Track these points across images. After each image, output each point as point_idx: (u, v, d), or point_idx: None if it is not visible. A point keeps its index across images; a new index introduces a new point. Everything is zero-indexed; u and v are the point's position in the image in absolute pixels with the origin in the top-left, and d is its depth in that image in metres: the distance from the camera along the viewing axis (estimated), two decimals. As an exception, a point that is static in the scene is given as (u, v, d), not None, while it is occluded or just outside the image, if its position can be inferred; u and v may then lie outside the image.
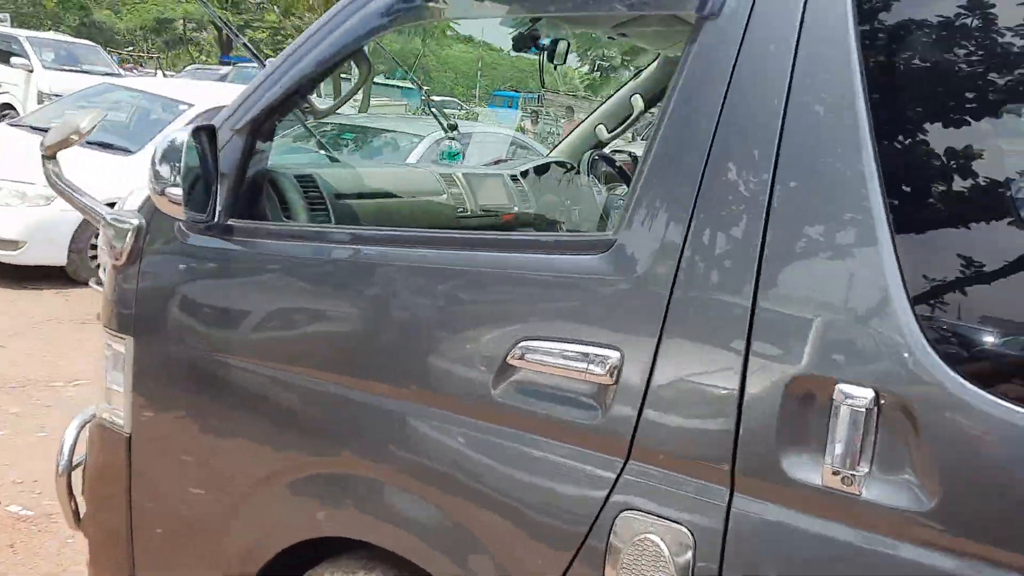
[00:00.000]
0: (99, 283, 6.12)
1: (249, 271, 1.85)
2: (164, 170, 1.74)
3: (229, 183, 1.87)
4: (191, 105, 7.65)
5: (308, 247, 1.78)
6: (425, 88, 3.04)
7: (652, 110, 2.93)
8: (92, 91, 8.39)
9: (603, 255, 1.44)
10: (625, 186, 3.15)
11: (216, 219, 1.84)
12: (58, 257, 6.65)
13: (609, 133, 3.04)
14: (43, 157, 2.12)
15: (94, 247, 6.77)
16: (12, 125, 7.89)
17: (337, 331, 1.71)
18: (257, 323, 1.82)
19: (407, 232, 1.70)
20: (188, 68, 21.71)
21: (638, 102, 2.94)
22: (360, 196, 2.25)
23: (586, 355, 1.43)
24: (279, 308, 1.79)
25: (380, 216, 2.25)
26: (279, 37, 45.57)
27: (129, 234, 2.02)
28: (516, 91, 43.20)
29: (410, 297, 1.63)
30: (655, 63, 2.98)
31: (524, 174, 2.78)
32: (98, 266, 6.74)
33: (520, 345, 1.49)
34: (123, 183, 6.90)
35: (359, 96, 2.46)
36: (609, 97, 3.12)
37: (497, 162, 3.12)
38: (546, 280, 1.50)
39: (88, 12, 38.84)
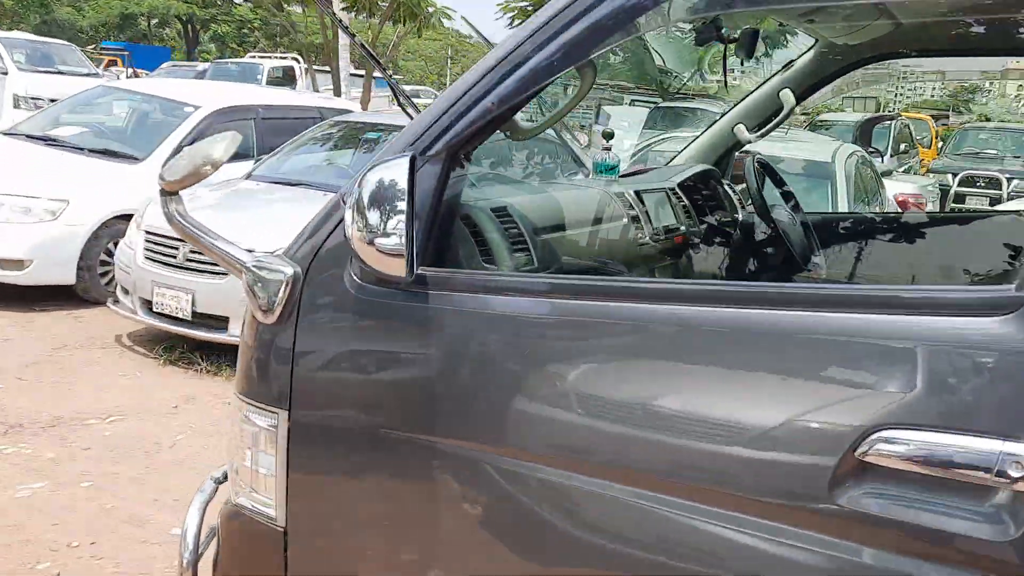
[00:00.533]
0: (116, 301, 5.68)
1: (463, 333, 1.47)
2: (374, 217, 1.36)
3: (421, 224, 1.50)
4: (197, 107, 7.18)
5: (549, 305, 1.40)
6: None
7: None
8: (90, 95, 7.88)
9: (1008, 318, 1.10)
10: (779, 191, 2.80)
11: (415, 269, 1.46)
12: (67, 276, 6.18)
13: (751, 133, 2.69)
14: (163, 193, 1.72)
15: (105, 263, 6.32)
16: (5, 134, 7.37)
17: (600, 416, 1.34)
18: (477, 399, 1.44)
19: (696, 285, 1.33)
20: (163, 66, 21.02)
21: (788, 97, 2.58)
22: (553, 228, 1.87)
23: (987, 452, 1.09)
24: (512, 381, 1.41)
25: (581, 252, 1.88)
26: (245, 31, 44.71)
27: (282, 286, 1.64)
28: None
29: (705, 372, 1.27)
30: (809, 53, 2.63)
31: (682, 187, 2.42)
32: (109, 282, 6.29)
33: (875, 435, 1.15)
34: (132, 194, 6.46)
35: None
36: (749, 93, 2.77)
37: (635, 173, 2.76)
38: (912, 350, 1.15)
39: (49, 9, 37.72)
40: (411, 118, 2.19)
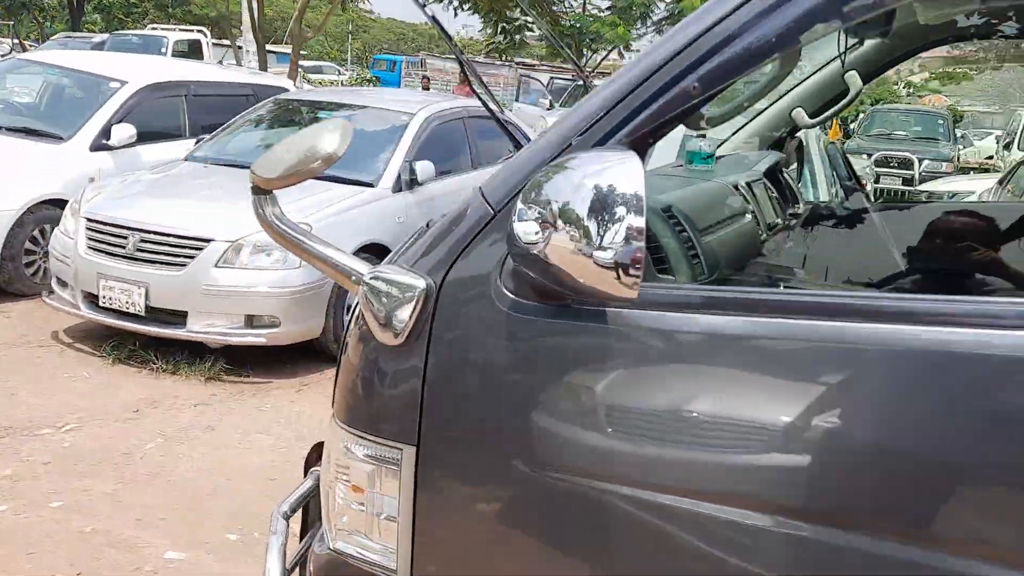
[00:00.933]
0: (51, 294, 5.20)
1: (690, 360, 1.24)
2: (593, 226, 1.14)
3: None
4: (125, 82, 6.66)
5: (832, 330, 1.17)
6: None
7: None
8: (2, 67, 7.22)
9: None
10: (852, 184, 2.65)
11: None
12: (-12, 267, 5.64)
13: (811, 118, 2.54)
14: (255, 191, 1.46)
15: (29, 252, 5.79)
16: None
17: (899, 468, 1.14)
18: (702, 438, 1.23)
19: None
20: (56, 37, 19.65)
21: (855, 80, 2.44)
22: (708, 229, 1.66)
23: None
24: (768, 419, 1.20)
25: (736, 255, 1.68)
26: (133, 1, 42.57)
27: (412, 302, 1.40)
28: (394, 54, 41.96)
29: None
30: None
31: (768, 176, 2.26)
32: (35, 272, 5.77)
33: None
34: (58, 176, 5.95)
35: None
36: (807, 76, 2.63)
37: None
38: None
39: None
40: (486, 106, 1.96)
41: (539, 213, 1.22)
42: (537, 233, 1.23)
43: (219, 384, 4.68)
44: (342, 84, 26.16)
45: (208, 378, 4.69)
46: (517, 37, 19.25)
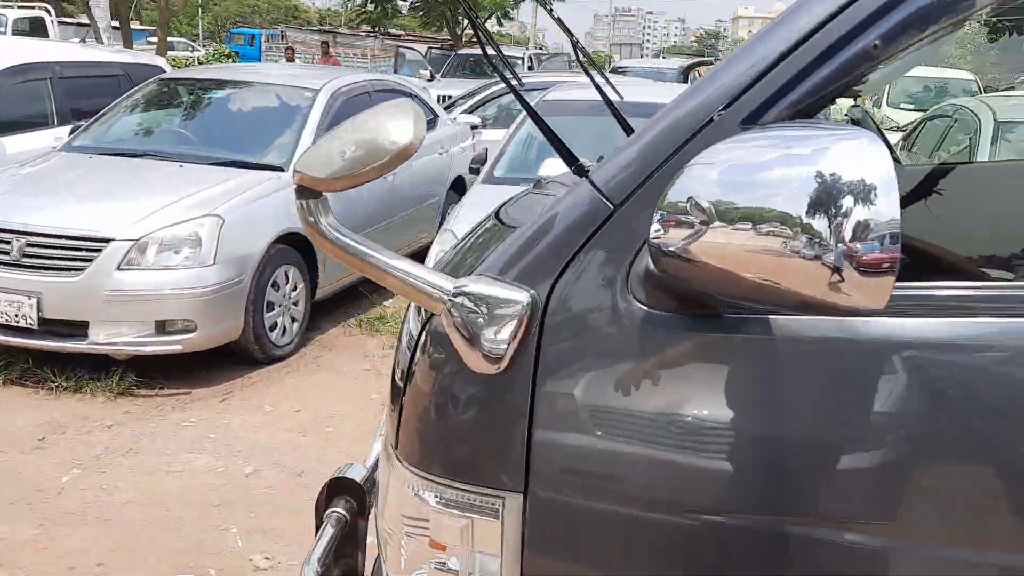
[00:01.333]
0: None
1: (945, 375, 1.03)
2: (821, 224, 0.89)
3: None
4: (-19, 66, 5.94)
5: None
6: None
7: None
8: None
9: None
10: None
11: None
12: None
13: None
14: (301, 194, 1.16)
15: None
16: None
17: None
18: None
19: None
20: None
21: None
22: None
23: None
24: None
25: None
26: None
27: (515, 320, 1.14)
28: (251, 27, 40.15)
29: None
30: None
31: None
32: None
33: None
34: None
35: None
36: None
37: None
38: None
39: None
40: (506, 82, 1.68)
41: (695, 207, 0.98)
42: (695, 231, 0.99)
43: (131, 400, 4.20)
44: (198, 61, 24.78)
45: (118, 394, 4.20)
46: (388, 6, 18.71)
